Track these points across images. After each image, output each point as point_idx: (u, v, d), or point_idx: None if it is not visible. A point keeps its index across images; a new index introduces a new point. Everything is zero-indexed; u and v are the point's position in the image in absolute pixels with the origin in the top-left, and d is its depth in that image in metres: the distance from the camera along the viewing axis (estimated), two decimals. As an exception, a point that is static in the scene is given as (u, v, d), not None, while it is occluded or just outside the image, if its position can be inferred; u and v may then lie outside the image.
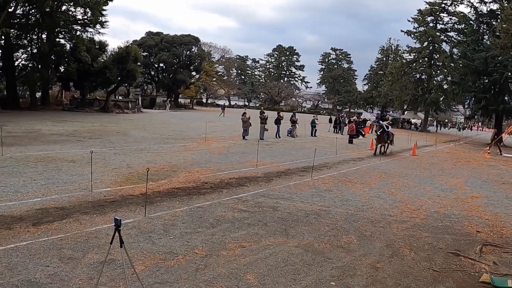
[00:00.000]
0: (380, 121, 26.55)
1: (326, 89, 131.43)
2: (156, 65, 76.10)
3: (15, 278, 5.97)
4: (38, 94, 49.27)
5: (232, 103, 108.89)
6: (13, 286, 5.77)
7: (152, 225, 8.64)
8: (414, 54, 71.71)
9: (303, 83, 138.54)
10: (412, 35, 70.67)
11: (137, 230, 8.27)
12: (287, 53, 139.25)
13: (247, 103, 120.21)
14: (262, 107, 56.76)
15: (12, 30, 42.64)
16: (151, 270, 6.55)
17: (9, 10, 32.82)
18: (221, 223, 9.13)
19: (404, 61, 74.88)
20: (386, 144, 26.01)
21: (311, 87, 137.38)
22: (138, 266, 6.56)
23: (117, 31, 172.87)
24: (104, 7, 47.30)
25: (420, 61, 70.77)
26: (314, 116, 39.92)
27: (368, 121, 53.36)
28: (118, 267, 6.45)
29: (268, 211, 10.38)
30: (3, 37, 38.00)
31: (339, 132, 43.04)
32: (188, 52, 78.34)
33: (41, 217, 8.62)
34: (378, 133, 25.12)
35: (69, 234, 7.73)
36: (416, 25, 70.56)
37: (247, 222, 9.38)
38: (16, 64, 46.26)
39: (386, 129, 25.32)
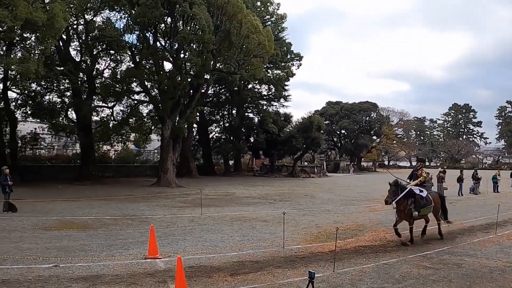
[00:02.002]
0: (402, 181, 12.84)
1: (505, 143, 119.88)
2: (338, 132, 79.00)
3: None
4: (231, 162, 55.14)
5: (413, 163, 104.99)
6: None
7: (340, 280, 8.65)
8: None
9: (482, 139, 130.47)
10: None
11: (326, 284, 8.35)
12: (463, 110, 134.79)
13: (427, 163, 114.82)
14: (444, 166, 54.35)
15: (205, 108, 50.13)
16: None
17: (202, 91, 38.21)
18: (406, 279, 8.87)
19: None
20: (412, 220, 12.62)
21: (490, 142, 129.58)
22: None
23: (299, 103, 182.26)
24: (286, 83, 52.06)
25: None
26: (496, 172, 36.66)
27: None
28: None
29: (452, 268, 9.84)
30: (198, 114, 43.69)
31: (523, 186, 38.70)
32: (368, 117, 79.99)
33: (238, 269, 9.26)
34: (394, 204, 12.41)
35: (263, 285, 8.14)
36: None
37: (431, 278, 8.99)
38: (210, 136, 53.51)
39: (412, 194, 12.49)
